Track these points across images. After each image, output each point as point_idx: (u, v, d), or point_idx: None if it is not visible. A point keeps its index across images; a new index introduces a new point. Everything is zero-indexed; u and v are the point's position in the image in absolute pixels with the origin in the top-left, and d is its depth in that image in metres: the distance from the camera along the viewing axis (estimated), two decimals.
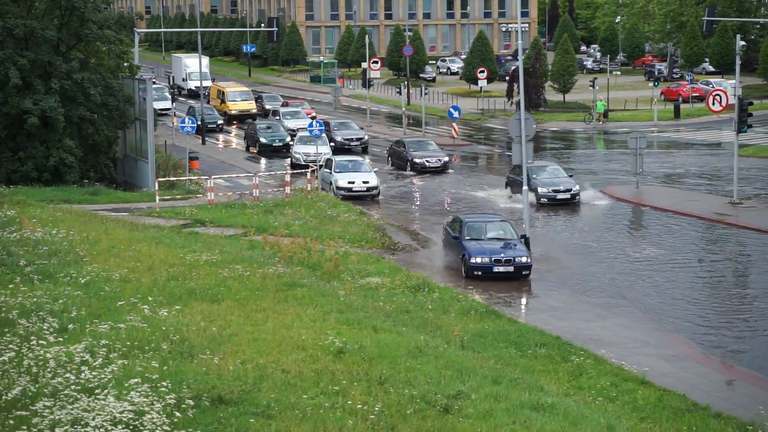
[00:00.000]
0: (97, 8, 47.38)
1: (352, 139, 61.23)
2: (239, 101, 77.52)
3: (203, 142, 65.00)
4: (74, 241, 26.40)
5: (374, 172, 47.61)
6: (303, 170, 47.46)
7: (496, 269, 30.74)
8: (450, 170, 53.88)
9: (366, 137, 62.24)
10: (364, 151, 60.60)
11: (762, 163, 55.52)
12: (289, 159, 55.71)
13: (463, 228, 32.18)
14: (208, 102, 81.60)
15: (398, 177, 52.51)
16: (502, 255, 30.84)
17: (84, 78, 44.75)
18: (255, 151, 60.71)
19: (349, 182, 45.43)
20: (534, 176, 43.77)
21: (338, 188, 45.13)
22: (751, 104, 47.11)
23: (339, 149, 59.49)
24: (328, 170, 46.77)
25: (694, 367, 23.12)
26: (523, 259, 30.87)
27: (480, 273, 30.67)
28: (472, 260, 30.70)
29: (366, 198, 45.23)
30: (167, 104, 79.65)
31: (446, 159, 54.13)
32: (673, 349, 24.57)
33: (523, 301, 29.34)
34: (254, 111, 76.37)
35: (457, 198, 46.62)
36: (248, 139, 62.94)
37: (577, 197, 44.18)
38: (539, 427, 15.21)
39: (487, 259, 30.73)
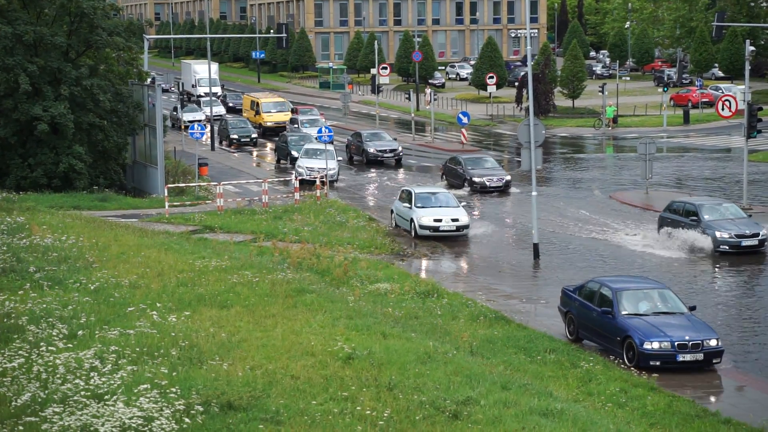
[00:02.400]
0: (106, 15, 47.50)
1: (385, 150, 58.08)
2: (274, 112, 73.22)
3: (212, 148, 65.10)
4: (83, 248, 26.46)
5: (462, 206, 39.79)
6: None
7: (680, 357, 22.93)
8: (513, 189, 48.51)
9: (400, 149, 59.00)
10: (398, 163, 58.13)
11: None
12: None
13: (615, 298, 24.20)
14: (241, 113, 79.17)
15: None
16: (687, 337, 23.09)
17: (93, 84, 44.85)
18: (286, 164, 57.51)
19: (436, 220, 37.52)
20: (706, 216, 35.65)
21: (422, 227, 37.40)
22: (761, 109, 47.05)
23: (371, 162, 57.72)
24: (407, 205, 38.74)
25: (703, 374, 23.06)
26: (712, 342, 23.17)
27: (658, 363, 22.74)
28: (646, 346, 22.73)
29: (455, 238, 37.90)
30: (221, 110, 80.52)
31: (508, 177, 48.53)
32: None
33: (533, 307, 29.15)
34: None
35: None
36: (279, 152, 59.36)
37: (767, 243, 35.26)
38: None
39: (667, 344, 22.85)
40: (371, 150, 58.03)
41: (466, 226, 37.95)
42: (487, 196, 47.39)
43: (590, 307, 24.75)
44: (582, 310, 25.07)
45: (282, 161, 58.78)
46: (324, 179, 45.91)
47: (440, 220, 37.58)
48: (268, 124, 72.34)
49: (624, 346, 23.29)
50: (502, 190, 48.09)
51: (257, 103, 74.76)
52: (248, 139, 67.46)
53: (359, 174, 55.47)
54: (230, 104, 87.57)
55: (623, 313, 23.92)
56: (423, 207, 38.20)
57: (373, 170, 56.35)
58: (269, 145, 67.83)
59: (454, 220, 37.69)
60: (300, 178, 46.66)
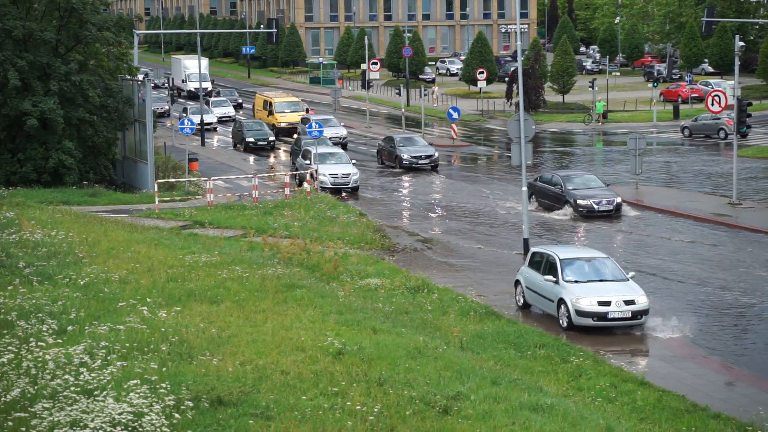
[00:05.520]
0: (96, 10, 47.38)
1: (420, 156, 54.20)
2: (288, 113, 69.35)
3: (202, 143, 64.95)
4: (73, 243, 26.41)
5: (632, 278, 26.64)
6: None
7: None
8: (627, 213, 41.54)
9: (436, 154, 54.92)
10: (434, 169, 54.23)
11: (761, 164, 55.51)
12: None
13: None
14: (254, 114, 75.57)
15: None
16: None
17: (83, 80, 44.77)
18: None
19: (601, 303, 25.26)
20: None
21: (580, 314, 25.21)
22: (750, 105, 47.25)
23: (406, 168, 54.04)
24: (550, 277, 26.33)
25: (693, 368, 23.11)
26: None
27: None
28: None
29: (626, 328, 25.71)
30: (230, 111, 79.03)
31: (618, 200, 41.09)
32: (673, 350, 24.56)
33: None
34: None
35: None
36: (294, 156, 54.41)
37: None
38: (538, 428, 15.21)
39: None
40: (405, 156, 54.39)
41: (646, 312, 25.52)
42: (596, 222, 39.89)
43: None
44: None
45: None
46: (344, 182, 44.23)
47: (608, 304, 25.36)
48: (282, 124, 68.81)
49: None
50: (612, 215, 40.79)
51: (270, 103, 71.07)
52: (265, 143, 63.10)
53: (395, 181, 52.45)
54: None
55: None
56: (576, 282, 26.09)
57: (407, 177, 52.92)
58: (282, 148, 64.77)
59: (628, 302, 25.35)
60: (324, 187, 43.72)
